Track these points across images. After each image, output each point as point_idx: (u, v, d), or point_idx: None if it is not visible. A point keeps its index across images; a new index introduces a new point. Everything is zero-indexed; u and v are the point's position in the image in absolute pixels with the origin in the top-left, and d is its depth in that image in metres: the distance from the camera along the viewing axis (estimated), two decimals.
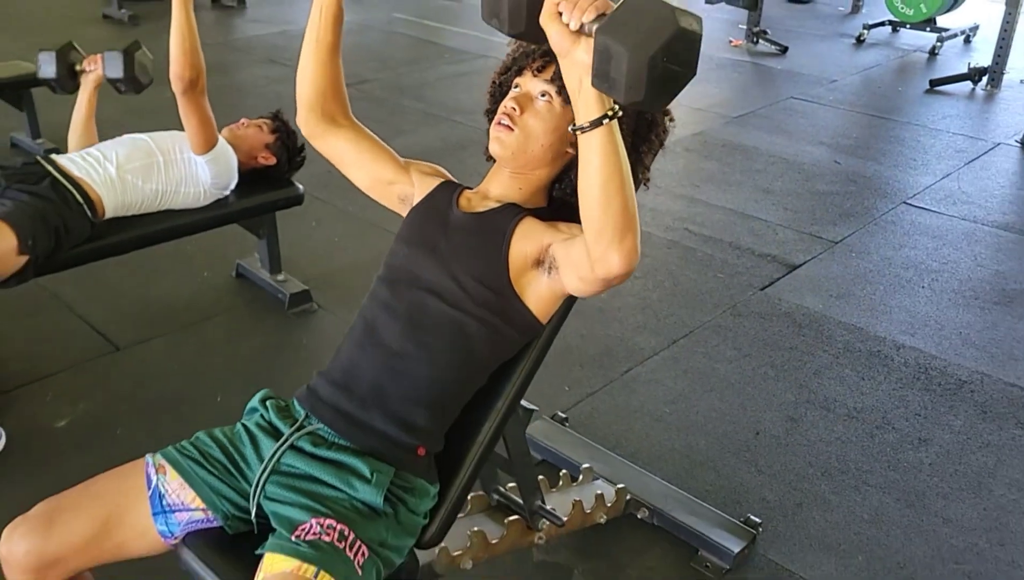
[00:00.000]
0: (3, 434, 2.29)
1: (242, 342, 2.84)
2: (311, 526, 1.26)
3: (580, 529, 2.01)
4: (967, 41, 6.73)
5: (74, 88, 2.95)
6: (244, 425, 1.45)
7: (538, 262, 1.39)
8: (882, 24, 6.79)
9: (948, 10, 6.46)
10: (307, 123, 1.56)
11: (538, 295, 1.41)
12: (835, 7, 7.84)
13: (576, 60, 1.10)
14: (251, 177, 2.73)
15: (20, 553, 1.32)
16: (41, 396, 2.50)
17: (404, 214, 1.59)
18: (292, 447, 1.37)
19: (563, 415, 2.41)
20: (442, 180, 1.57)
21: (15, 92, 3.99)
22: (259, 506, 1.36)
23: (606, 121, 1.11)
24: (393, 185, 1.58)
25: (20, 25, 6.40)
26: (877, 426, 2.48)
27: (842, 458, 2.35)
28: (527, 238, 1.40)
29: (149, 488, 1.37)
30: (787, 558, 2.03)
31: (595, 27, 1.06)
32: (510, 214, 1.44)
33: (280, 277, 3.02)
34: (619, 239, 1.16)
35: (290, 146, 2.82)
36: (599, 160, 1.14)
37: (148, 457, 1.41)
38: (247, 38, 6.34)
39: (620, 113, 1.12)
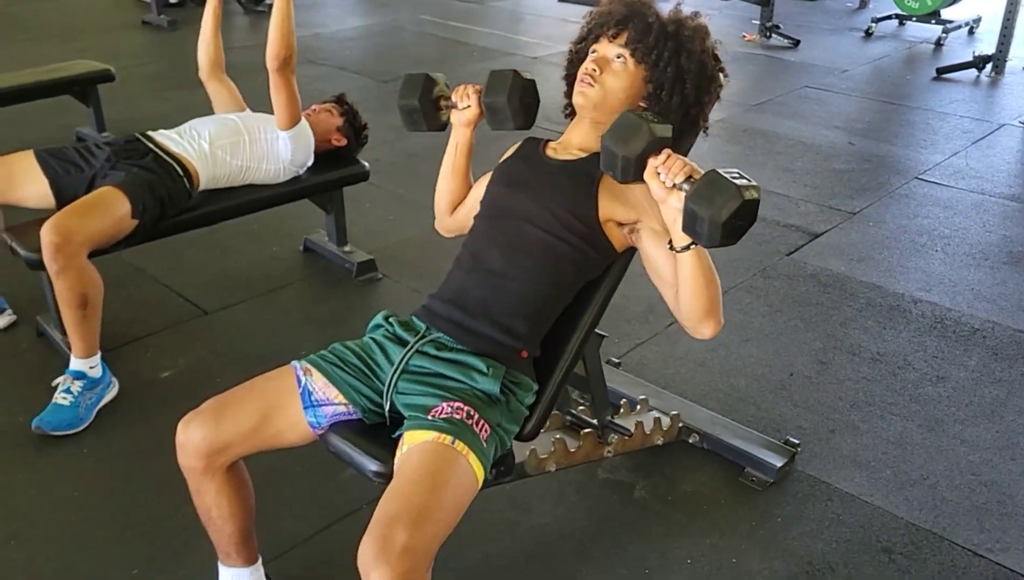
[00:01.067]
0: (116, 383, 2.57)
1: (317, 306, 3.11)
2: (443, 408, 1.53)
3: (639, 451, 2.28)
4: (971, 32, 6.99)
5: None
6: (372, 338, 1.73)
7: (623, 224, 1.69)
8: (889, 17, 7.06)
9: (952, 3, 6.72)
10: (446, 226, 2.04)
11: (619, 238, 1.71)
12: (843, 3, 8.13)
13: (670, 206, 1.51)
14: (323, 157, 3.01)
15: (196, 439, 1.59)
16: (143, 353, 2.78)
17: None
18: (418, 351, 1.65)
19: (616, 360, 2.69)
20: (524, 139, 1.85)
21: (83, 88, 4.28)
22: (391, 402, 1.63)
23: (693, 247, 1.50)
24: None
25: (65, 32, 6.72)
26: (899, 366, 2.75)
27: (868, 393, 2.62)
28: (617, 200, 1.68)
29: (299, 387, 1.64)
30: (823, 473, 2.29)
31: (684, 185, 1.45)
32: (589, 167, 1.72)
33: (347, 249, 3.29)
34: (703, 321, 1.61)
35: (357, 127, 3.10)
36: (691, 271, 1.55)
37: (295, 363, 1.68)
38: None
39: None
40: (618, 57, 1.70)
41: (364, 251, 3.32)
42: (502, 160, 1.84)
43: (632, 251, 1.78)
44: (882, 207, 3.89)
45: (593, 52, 1.74)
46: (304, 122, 2.84)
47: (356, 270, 3.22)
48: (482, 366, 1.60)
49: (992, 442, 2.41)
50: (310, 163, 2.95)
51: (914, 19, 6.92)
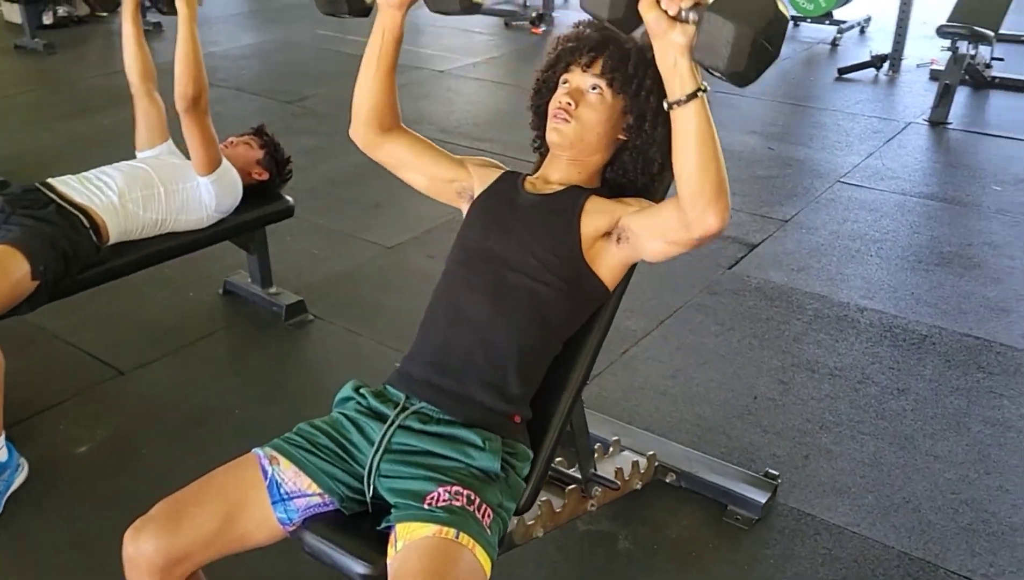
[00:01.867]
0: (25, 464, 2.27)
1: (245, 356, 2.87)
2: (439, 494, 1.35)
3: (618, 497, 2.15)
4: (862, 32, 7.19)
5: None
6: (343, 414, 1.53)
7: (608, 234, 1.53)
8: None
9: (844, 3, 6.90)
10: (363, 136, 1.69)
11: (608, 265, 1.55)
12: None
13: (672, 41, 1.25)
14: (243, 194, 2.77)
15: (149, 552, 1.37)
16: (54, 426, 2.48)
17: (463, 207, 1.70)
18: (400, 427, 1.46)
19: None
20: (502, 170, 1.69)
21: None
22: (374, 487, 1.44)
23: (700, 94, 1.26)
24: (453, 182, 1.69)
25: None
26: (859, 381, 2.71)
27: (835, 412, 2.56)
28: (597, 213, 1.54)
29: (266, 479, 1.43)
30: (806, 504, 2.21)
31: (691, 14, 1.22)
32: (576, 193, 1.58)
33: (273, 290, 3.05)
34: (715, 200, 1.31)
35: (279, 160, 2.87)
36: (695, 130, 1.28)
37: (258, 450, 1.48)
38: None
39: (708, 88, 1.27)
40: (593, 88, 1.57)
41: (291, 291, 3.08)
42: (477, 196, 1.67)
43: (623, 287, 1.63)
44: (811, 213, 3.89)
45: (565, 83, 1.60)
46: (226, 164, 2.60)
47: (285, 313, 2.99)
48: (477, 440, 1.43)
49: (964, 456, 2.38)
50: (237, 204, 2.70)
51: (808, 20, 7.07)
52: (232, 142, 2.80)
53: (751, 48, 1.18)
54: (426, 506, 1.34)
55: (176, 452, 2.34)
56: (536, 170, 1.72)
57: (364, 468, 1.45)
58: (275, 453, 1.46)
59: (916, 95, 5.62)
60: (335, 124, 4.92)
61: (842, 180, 4.25)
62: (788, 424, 2.51)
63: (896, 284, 3.29)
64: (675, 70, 1.27)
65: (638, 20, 1.29)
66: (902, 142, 4.77)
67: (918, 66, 6.12)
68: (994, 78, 5.55)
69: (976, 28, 4.86)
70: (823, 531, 2.13)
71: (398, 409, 1.49)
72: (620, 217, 1.53)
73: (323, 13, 1.72)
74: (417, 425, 1.46)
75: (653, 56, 1.54)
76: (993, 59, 5.53)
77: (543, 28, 7.18)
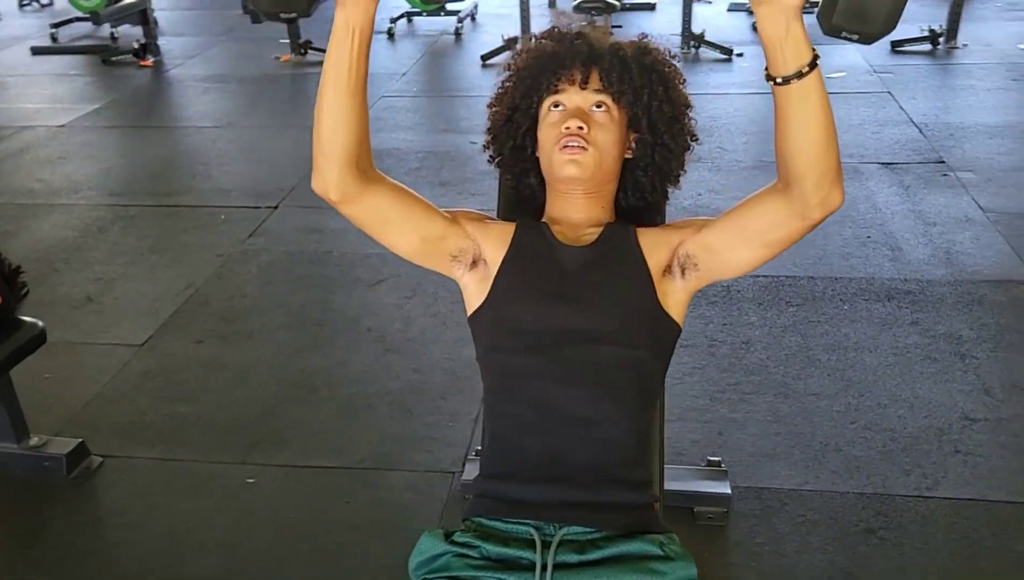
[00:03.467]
0: None
1: (29, 542, 2.12)
2: None
3: None
4: (472, 19, 7.45)
5: None
6: (452, 577, 1.15)
7: (668, 268, 1.33)
8: (402, 16, 7.20)
9: None
10: (340, 181, 1.24)
11: (676, 301, 1.35)
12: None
13: (785, 4, 1.05)
14: None
15: None
16: None
17: (457, 274, 1.37)
18: (556, 567, 1.14)
19: None
20: (513, 223, 1.38)
21: None
22: None
23: (818, 63, 1.09)
24: (445, 240, 1.35)
25: None
26: (708, 346, 2.78)
27: (713, 381, 2.60)
28: (654, 249, 1.34)
29: None
30: (753, 479, 2.21)
31: None
32: (621, 233, 1.35)
33: (35, 441, 2.30)
34: (839, 174, 1.16)
35: (6, 273, 2.16)
36: (818, 102, 1.11)
37: None
38: None
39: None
40: (598, 106, 1.34)
41: (61, 436, 2.36)
42: (506, 255, 1.34)
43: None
44: None
45: (557, 106, 1.36)
46: None
47: (66, 465, 2.27)
48: (655, 549, 1.17)
49: (833, 386, 2.55)
50: None
51: (424, 14, 7.15)
52: None
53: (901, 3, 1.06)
54: None
55: None
56: (540, 215, 1.44)
57: None
58: None
59: None
60: None
61: None
62: (683, 405, 2.49)
63: None
64: (788, 37, 1.07)
65: None
66: None
67: None
68: None
69: (608, 1, 5.27)
70: (787, 500, 2.14)
71: (541, 546, 1.15)
72: (677, 246, 1.33)
73: (264, 15, 1.22)
74: (575, 557, 1.15)
75: (652, 58, 1.38)
76: (614, 27, 6.05)
77: (151, 59, 6.40)
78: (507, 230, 1.37)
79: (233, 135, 4.94)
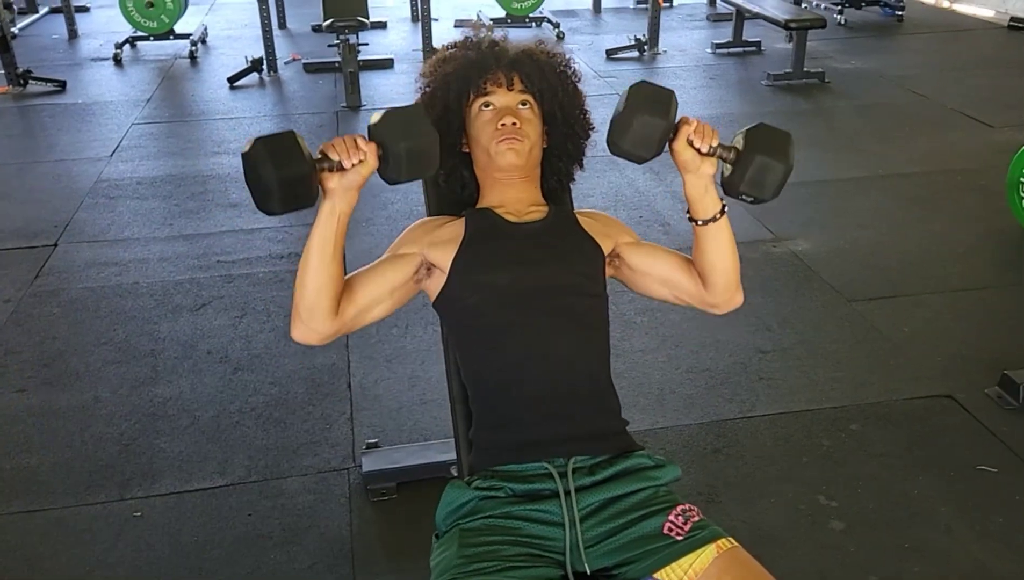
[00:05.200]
0: None
1: None
2: (674, 521, 1.32)
3: None
4: (204, 43, 7.23)
5: None
6: (491, 516, 1.33)
7: (607, 256, 1.59)
8: (128, 42, 6.83)
9: (179, 18, 6.88)
10: (325, 330, 1.42)
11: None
12: (51, 37, 7.47)
13: (704, 173, 1.42)
14: None
15: None
16: None
17: (423, 286, 1.55)
18: (579, 490, 1.36)
19: (373, 440, 2.41)
20: (460, 216, 1.57)
21: None
22: (585, 563, 1.33)
23: (726, 211, 1.46)
24: (406, 281, 1.53)
25: None
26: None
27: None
28: (600, 236, 1.58)
29: None
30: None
31: (718, 149, 1.41)
32: (567, 215, 1.61)
33: None
34: (738, 288, 1.53)
35: None
36: (728, 237, 1.47)
37: None
38: None
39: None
40: (523, 104, 1.58)
41: None
42: (462, 242, 1.51)
43: None
44: None
45: (488, 106, 1.57)
46: None
47: None
48: (648, 461, 1.43)
49: (653, 342, 2.96)
50: None
51: (151, 38, 6.85)
52: None
53: (786, 177, 1.41)
54: (678, 537, 1.30)
55: None
56: (477, 202, 1.63)
57: (561, 554, 1.31)
58: None
59: (308, 87, 6.02)
60: None
61: None
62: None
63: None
64: (706, 194, 1.44)
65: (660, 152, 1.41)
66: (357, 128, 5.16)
67: (286, 63, 6.51)
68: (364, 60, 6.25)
69: (359, 19, 5.43)
70: (645, 438, 2.48)
71: (559, 476, 1.36)
72: (616, 244, 1.59)
73: (267, 213, 1.32)
74: (587, 480, 1.38)
75: (558, 61, 1.63)
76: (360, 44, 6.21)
77: None
78: (458, 224, 1.55)
79: None
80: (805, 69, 5.92)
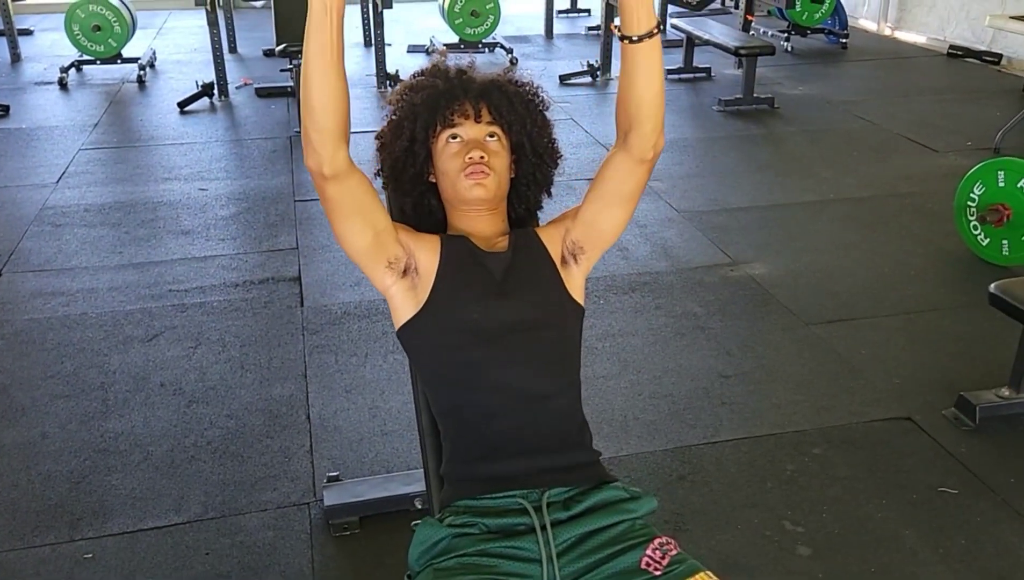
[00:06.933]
0: None
1: None
2: (652, 555, 1.30)
3: None
4: (152, 67, 7.11)
5: None
6: (465, 555, 1.29)
7: (564, 259, 1.56)
8: (73, 66, 6.69)
9: (127, 42, 6.76)
10: (336, 158, 1.35)
11: (576, 285, 1.57)
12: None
13: None
14: None
15: None
16: None
17: (387, 282, 1.50)
18: (555, 525, 1.33)
19: (334, 473, 2.35)
20: (438, 236, 1.54)
21: None
22: None
23: (659, 29, 1.40)
24: (389, 243, 1.47)
25: None
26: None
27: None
28: (552, 243, 1.56)
29: None
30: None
31: None
32: (528, 235, 1.57)
33: None
34: (661, 123, 1.45)
35: None
36: (659, 59, 1.39)
37: None
38: None
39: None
40: (491, 136, 1.55)
41: None
42: (438, 269, 1.48)
43: None
44: (309, 233, 3.99)
45: (455, 138, 1.54)
46: None
47: None
48: (623, 493, 1.42)
49: (614, 368, 2.95)
50: None
51: (98, 62, 6.72)
52: None
53: None
54: (656, 572, 1.28)
55: None
56: (444, 230, 1.60)
57: None
58: None
59: (260, 112, 5.94)
60: None
61: (298, 200, 4.40)
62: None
63: None
64: (641, 5, 1.35)
65: None
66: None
67: (237, 88, 6.43)
68: None
69: None
70: (610, 466, 2.44)
71: (534, 511, 1.33)
72: (564, 236, 1.56)
73: None
74: (563, 514, 1.35)
75: (526, 90, 1.62)
76: None
77: None
78: (434, 242, 1.52)
79: None
80: (755, 95, 6.02)
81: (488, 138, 1.54)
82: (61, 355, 3.02)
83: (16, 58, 7.25)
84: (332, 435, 2.61)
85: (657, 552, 1.31)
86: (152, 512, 2.30)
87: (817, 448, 2.55)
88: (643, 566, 1.29)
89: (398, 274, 1.49)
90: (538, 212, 1.73)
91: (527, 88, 1.63)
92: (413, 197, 1.61)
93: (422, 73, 1.62)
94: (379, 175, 1.63)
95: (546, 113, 1.65)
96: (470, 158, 1.50)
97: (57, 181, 4.60)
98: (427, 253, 1.50)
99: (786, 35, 7.85)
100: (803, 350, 3.08)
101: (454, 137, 1.53)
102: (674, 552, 1.32)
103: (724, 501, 2.35)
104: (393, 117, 1.60)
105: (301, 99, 1.33)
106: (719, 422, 2.68)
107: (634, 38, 1.38)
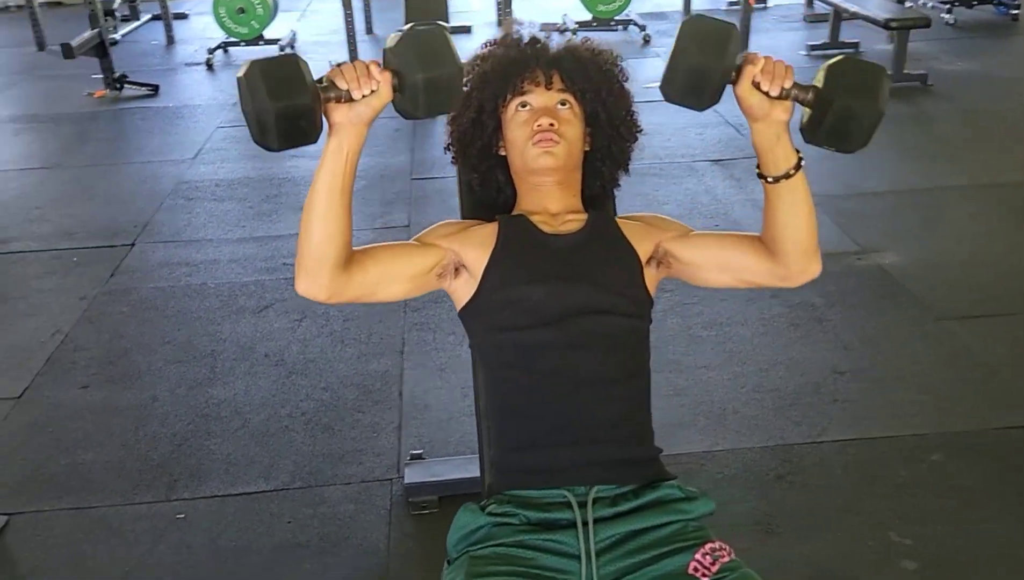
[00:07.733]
0: None
1: None
2: (701, 560, 1.20)
3: None
4: (292, 47, 7.35)
5: None
6: (503, 544, 1.23)
7: (649, 258, 1.46)
8: (220, 47, 7.02)
9: (269, 24, 7.04)
10: (331, 283, 1.30)
11: (653, 281, 1.47)
12: (153, 43, 7.75)
13: (775, 120, 1.24)
14: None
15: None
16: None
17: (445, 285, 1.46)
18: (597, 522, 1.25)
19: (418, 451, 2.34)
20: (494, 221, 1.47)
21: None
22: None
23: (803, 164, 1.28)
24: (429, 269, 1.43)
25: None
26: None
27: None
28: (638, 238, 1.46)
29: None
30: (668, 447, 2.36)
31: (793, 91, 1.21)
32: (607, 221, 1.49)
33: None
34: (816, 253, 1.34)
35: None
36: (803, 197, 1.29)
37: None
38: None
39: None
40: (563, 104, 1.47)
41: None
42: (493, 250, 1.42)
43: None
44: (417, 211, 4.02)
45: (525, 106, 1.46)
46: None
47: None
48: (677, 492, 1.32)
49: (718, 358, 2.80)
50: None
51: (242, 44, 7.03)
52: None
53: (877, 124, 1.20)
54: (704, 578, 1.18)
55: None
56: (512, 209, 1.54)
57: None
58: None
59: None
60: None
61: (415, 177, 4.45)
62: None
63: None
64: (779, 145, 1.26)
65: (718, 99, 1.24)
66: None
67: None
68: None
69: (439, 23, 5.42)
70: (703, 461, 2.35)
71: (578, 506, 1.26)
72: (658, 242, 1.46)
73: (265, 148, 1.20)
74: (609, 511, 1.27)
75: (603, 59, 1.52)
76: None
77: None
78: (490, 230, 1.46)
79: (64, 176, 4.68)
80: (906, 71, 5.60)
81: (559, 106, 1.46)
82: (179, 322, 3.16)
83: (171, 40, 7.69)
84: (422, 413, 2.61)
85: (707, 557, 1.21)
86: (243, 478, 2.36)
87: (936, 455, 2.33)
88: (690, 571, 1.19)
89: (451, 276, 1.44)
90: (614, 191, 1.64)
91: (604, 56, 1.53)
92: (481, 171, 1.55)
93: (493, 42, 1.55)
94: (449, 149, 1.58)
95: (625, 84, 1.55)
96: (539, 125, 1.42)
97: (194, 157, 4.83)
98: (477, 247, 1.43)
99: (948, 6, 7.28)
100: (931, 346, 2.83)
101: (524, 105, 1.46)
102: (726, 559, 1.21)
103: (824, 505, 2.19)
104: (463, 88, 1.55)
105: (302, 225, 1.28)
106: (827, 421, 2.49)
107: (770, 179, 1.28)
